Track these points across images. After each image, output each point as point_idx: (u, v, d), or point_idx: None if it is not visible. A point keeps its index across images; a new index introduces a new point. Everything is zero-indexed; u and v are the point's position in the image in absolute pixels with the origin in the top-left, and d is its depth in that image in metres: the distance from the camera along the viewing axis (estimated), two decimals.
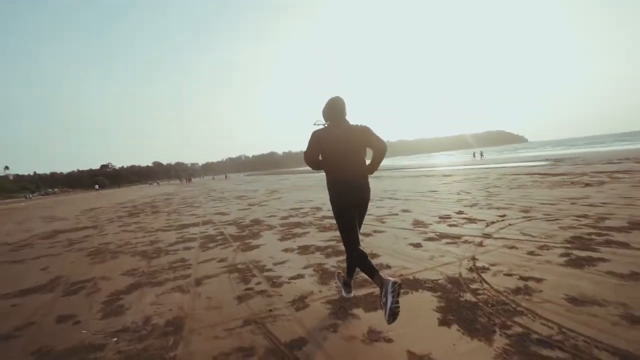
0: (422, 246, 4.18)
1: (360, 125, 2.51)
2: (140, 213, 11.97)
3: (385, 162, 75.18)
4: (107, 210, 14.98)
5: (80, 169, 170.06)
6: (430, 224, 5.38)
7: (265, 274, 3.66)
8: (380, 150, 2.52)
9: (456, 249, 3.90)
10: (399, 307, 1.98)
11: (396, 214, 6.60)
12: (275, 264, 4.00)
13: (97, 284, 3.88)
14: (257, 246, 4.98)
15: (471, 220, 5.35)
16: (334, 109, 2.51)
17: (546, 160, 23.89)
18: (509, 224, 4.84)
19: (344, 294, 2.77)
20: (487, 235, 4.36)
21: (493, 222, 5.08)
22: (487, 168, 20.46)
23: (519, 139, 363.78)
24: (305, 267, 3.77)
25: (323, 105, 2.58)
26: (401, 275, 3.25)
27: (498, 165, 22.99)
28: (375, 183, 15.51)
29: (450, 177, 15.04)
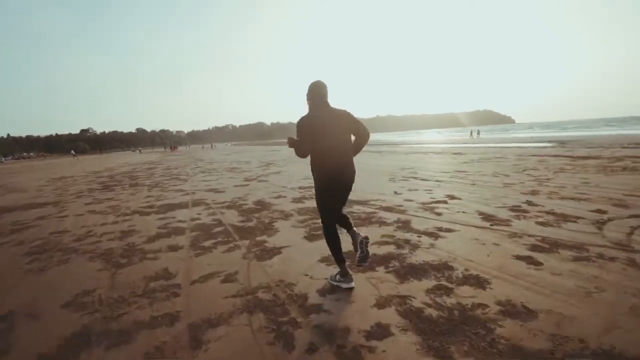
0: (541, 264, 2.68)
1: (342, 109, 2.52)
2: (117, 186, 10.07)
3: (378, 137, 73.93)
4: (79, 181, 12.93)
5: (60, 133, 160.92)
6: (510, 220, 3.89)
7: (315, 318, 2.09)
8: (364, 136, 2.58)
9: (610, 276, 2.41)
10: (368, 254, 2.43)
11: (444, 202, 5.09)
12: (322, 292, 2.44)
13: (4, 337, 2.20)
14: (278, 250, 3.37)
15: (564, 218, 3.88)
16: (317, 93, 2.48)
17: (549, 142, 22.83)
18: None
19: (344, 286, 2.51)
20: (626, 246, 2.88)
21: (603, 221, 3.63)
22: (494, 147, 19.19)
23: (506, 120, 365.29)
24: (377, 304, 2.21)
25: (306, 90, 2.52)
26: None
27: (502, 144, 21.78)
28: (380, 159, 13.99)
29: (464, 156, 13.62)
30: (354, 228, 2.61)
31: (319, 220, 3.03)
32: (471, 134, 38.32)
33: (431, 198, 5.42)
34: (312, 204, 5.42)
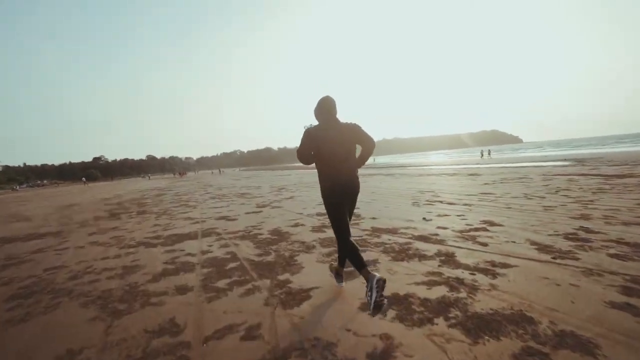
0: None
1: (351, 123, 2.59)
2: (124, 213, 9.65)
3: (386, 159, 73.67)
4: (87, 208, 12.59)
5: (73, 161, 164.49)
6: (574, 252, 3.28)
7: None
8: (370, 146, 2.63)
9: None
10: (384, 300, 2.08)
11: (484, 229, 4.50)
12: (375, 356, 1.85)
13: None
14: (306, 293, 2.80)
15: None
16: (325, 108, 2.55)
17: (565, 160, 22.11)
18: None
19: (336, 284, 2.84)
20: None
21: None
22: (509, 167, 18.53)
23: (513, 139, 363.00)
24: None
25: (315, 105, 2.60)
26: None
27: (516, 164, 21.09)
28: (395, 182, 13.39)
29: (483, 177, 13.00)
30: (367, 267, 2.31)
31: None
32: (482, 154, 37.68)
33: (467, 225, 4.83)
34: None
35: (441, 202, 7.24)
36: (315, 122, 2.64)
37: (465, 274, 2.94)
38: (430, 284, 2.78)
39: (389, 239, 4.35)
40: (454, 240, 4.07)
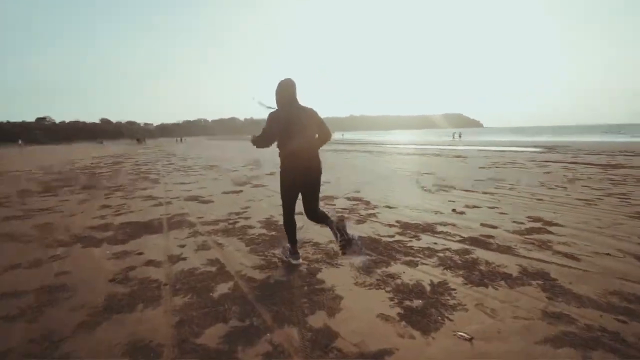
0: None
1: (309, 107, 2.61)
2: (64, 187, 7.66)
3: (355, 136, 72.70)
4: (17, 178, 10.21)
5: (12, 120, 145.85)
6: None
7: None
8: (327, 135, 2.66)
9: None
10: (349, 238, 2.59)
11: (545, 230, 3.48)
12: None
13: None
14: None
15: None
16: (287, 90, 2.56)
17: (534, 146, 22.42)
18: None
19: (293, 262, 2.75)
20: None
21: None
22: (489, 150, 18.23)
23: (475, 123, 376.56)
24: None
25: (276, 88, 2.58)
26: None
27: (493, 148, 20.96)
28: (379, 161, 12.21)
29: (472, 160, 12.33)
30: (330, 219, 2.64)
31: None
32: (453, 136, 38.02)
33: (516, 222, 3.80)
34: (368, 227, 3.63)
35: (453, 187, 6.23)
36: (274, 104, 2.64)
37: (614, 324, 1.84)
38: (555, 343, 1.64)
39: (434, 243, 3.18)
40: (524, 248, 3.00)
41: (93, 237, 3.59)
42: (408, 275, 2.52)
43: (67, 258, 3.02)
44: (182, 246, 3.24)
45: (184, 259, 2.91)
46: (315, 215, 2.71)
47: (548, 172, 8.12)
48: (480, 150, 18.55)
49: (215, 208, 4.90)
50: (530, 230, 3.51)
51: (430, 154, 15.30)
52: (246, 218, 4.26)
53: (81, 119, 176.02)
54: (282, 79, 2.58)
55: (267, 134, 2.57)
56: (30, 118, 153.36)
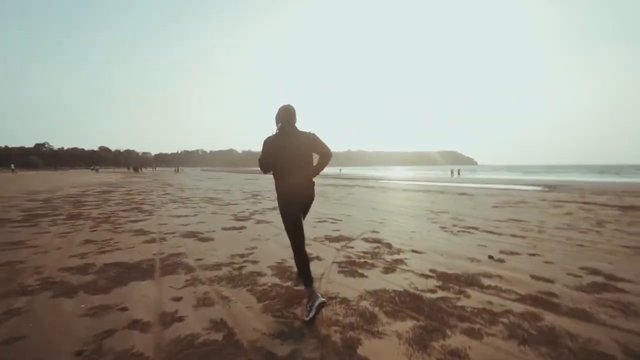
0: None
1: (309, 132, 2.59)
2: (47, 216, 6.96)
3: (353, 171, 72.80)
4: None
5: (10, 145, 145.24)
6: None
7: None
8: (327, 156, 2.61)
9: None
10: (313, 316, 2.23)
11: (614, 287, 2.89)
12: None
13: None
14: None
15: None
16: (285, 116, 2.54)
17: (534, 185, 22.23)
18: None
19: (316, 302, 2.31)
20: None
21: None
22: (492, 188, 17.90)
23: (469, 161, 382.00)
24: None
25: (276, 112, 2.59)
26: None
27: (494, 185, 20.68)
28: (381, 196, 11.61)
29: (480, 198, 11.87)
30: (314, 285, 2.42)
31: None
32: (452, 173, 37.96)
33: (570, 275, 3.22)
34: (401, 278, 3.00)
35: (476, 228, 5.67)
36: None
37: None
38: None
39: (489, 302, 2.57)
40: (604, 313, 2.40)
41: (67, 283, 2.90)
42: (477, 353, 1.89)
43: (27, 314, 2.34)
44: (178, 299, 2.58)
45: (180, 319, 2.25)
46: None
47: (568, 214, 7.62)
48: (483, 188, 18.22)
49: (216, 247, 4.25)
50: (596, 287, 2.92)
51: (434, 191, 14.86)
52: (253, 262, 3.62)
53: (80, 146, 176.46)
54: (282, 105, 2.61)
55: (262, 161, 2.53)
56: (30, 144, 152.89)
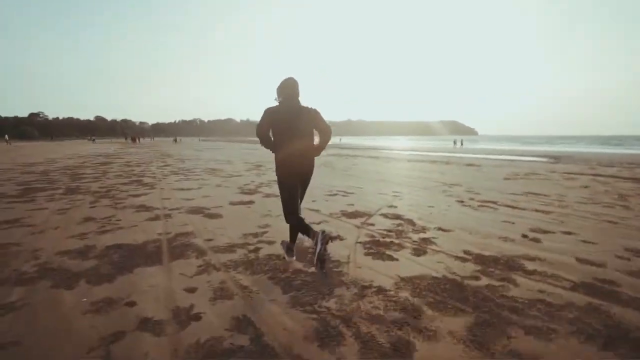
0: None
1: (311, 107, 2.54)
2: (45, 190, 6.59)
3: (353, 141, 71.80)
4: None
5: (3, 115, 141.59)
6: None
7: None
8: (327, 134, 2.60)
9: None
10: (327, 254, 2.43)
11: None
12: None
13: None
14: None
15: None
16: (288, 89, 2.49)
17: (538, 156, 21.88)
18: None
19: (286, 258, 2.75)
20: None
21: None
22: (498, 159, 17.56)
23: (470, 131, 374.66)
24: None
25: (278, 84, 2.52)
26: None
27: (500, 156, 20.32)
28: (387, 166, 11.15)
29: (485, 169, 11.55)
30: (312, 228, 2.46)
31: None
32: (454, 143, 37.41)
33: (618, 257, 2.92)
34: (435, 262, 2.69)
35: (494, 202, 5.38)
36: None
37: None
38: None
39: (541, 291, 2.28)
40: None
41: (67, 270, 2.58)
42: (551, 359, 1.61)
43: (24, 310, 2.03)
44: (192, 290, 2.27)
45: (198, 317, 1.94)
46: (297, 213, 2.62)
47: (585, 187, 7.32)
48: (488, 158, 17.87)
49: (226, 225, 3.93)
50: None
51: (440, 162, 14.49)
52: (269, 242, 3.30)
53: (76, 116, 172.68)
54: (285, 78, 2.53)
55: (259, 129, 2.51)
56: (24, 113, 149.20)
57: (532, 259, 2.92)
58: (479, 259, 2.91)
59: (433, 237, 3.52)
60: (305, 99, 2.58)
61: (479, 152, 24.69)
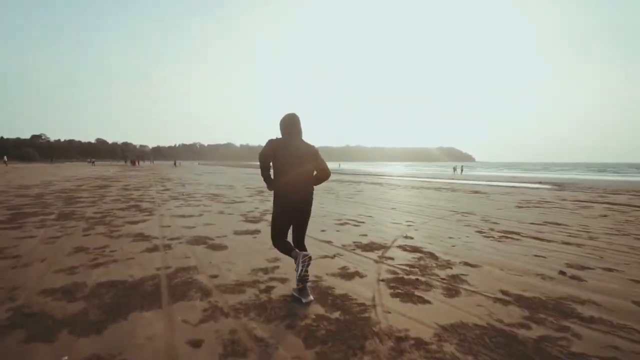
0: None
1: (311, 145, 2.60)
2: (36, 215, 6.21)
3: (352, 166, 71.92)
4: None
5: (6, 136, 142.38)
6: None
7: None
8: (326, 175, 2.67)
9: None
10: (307, 275, 2.43)
11: None
12: None
13: None
14: None
15: None
16: (290, 124, 2.53)
17: (540, 182, 21.72)
18: None
19: (303, 300, 2.48)
20: None
21: None
22: (502, 186, 17.34)
23: (467, 158, 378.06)
24: None
25: (280, 119, 2.57)
26: None
27: (501, 183, 20.13)
28: (392, 193, 10.80)
29: (493, 196, 11.27)
30: (295, 249, 2.52)
31: None
32: (454, 169, 37.34)
33: None
34: (474, 305, 2.31)
35: (518, 234, 5.04)
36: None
37: None
38: None
39: (615, 347, 1.91)
40: None
41: (48, 316, 2.19)
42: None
43: None
44: (198, 344, 1.88)
45: None
46: (301, 245, 2.66)
47: (604, 216, 7.01)
48: (492, 185, 17.64)
49: (232, 258, 3.55)
50: None
51: (445, 189, 14.23)
52: (282, 280, 2.93)
53: (77, 138, 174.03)
54: (287, 113, 2.59)
55: (263, 155, 2.51)
56: (26, 135, 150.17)
57: (582, 302, 2.56)
58: (522, 301, 2.55)
59: (462, 274, 3.16)
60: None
61: (481, 179, 24.54)
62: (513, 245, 4.38)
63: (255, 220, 5.83)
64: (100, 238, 4.37)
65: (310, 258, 2.42)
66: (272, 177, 2.60)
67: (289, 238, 2.62)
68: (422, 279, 3.03)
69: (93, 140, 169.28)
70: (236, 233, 4.82)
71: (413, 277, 3.07)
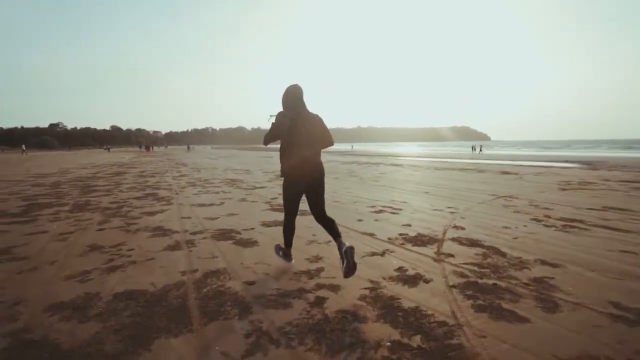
0: None
1: (315, 113, 2.59)
2: (51, 206, 5.86)
3: (365, 147, 70.68)
4: None
5: (26, 126, 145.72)
6: None
7: None
8: (329, 142, 2.64)
9: None
10: (353, 264, 2.28)
11: None
12: None
13: None
14: None
15: None
16: (294, 96, 2.53)
17: (567, 161, 20.53)
18: None
19: (286, 263, 2.78)
20: None
21: None
22: (528, 166, 16.36)
23: (482, 137, 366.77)
24: None
25: (284, 92, 2.55)
26: None
27: (526, 163, 19.08)
28: (418, 175, 10.05)
29: (525, 177, 10.47)
30: (341, 237, 2.47)
31: None
32: (473, 149, 36.01)
33: None
34: (584, 324, 1.74)
35: (580, 222, 4.37)
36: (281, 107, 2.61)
37: None
38: None
39: None
40: None
41: (53, 347, 1.72)
42: None
43: None
44: None
45: None
46: (324, 217, 2.59)
47: None
48: (519, 165, 16.67)
49: (266, 258, 3.05)
50: None
51: (471, 169, 13.41)
52: (332, 288, 2.40)
53: (93, 126, 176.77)
54: (290, 85, 2.57)
55: (276, 126, 2.49)
56: (45, 124, 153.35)
57: None
58: None
59: (546, 277, 2.57)
60: (306, 99, 2.58)
61: (504, 158, 23.41)
62: (584, 236, 3.74)
63: (281, 209, 5.32)
64: (116, 233, 3.94)
65: (353, 249, 2.35)
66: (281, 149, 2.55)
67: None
68: (501, 284, 2.46)
69: (108, 127, 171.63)
70: (264, 225, 4.33)
71: (489, 281, 2.51)
